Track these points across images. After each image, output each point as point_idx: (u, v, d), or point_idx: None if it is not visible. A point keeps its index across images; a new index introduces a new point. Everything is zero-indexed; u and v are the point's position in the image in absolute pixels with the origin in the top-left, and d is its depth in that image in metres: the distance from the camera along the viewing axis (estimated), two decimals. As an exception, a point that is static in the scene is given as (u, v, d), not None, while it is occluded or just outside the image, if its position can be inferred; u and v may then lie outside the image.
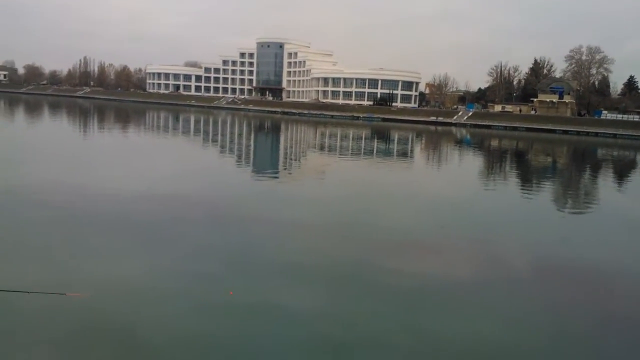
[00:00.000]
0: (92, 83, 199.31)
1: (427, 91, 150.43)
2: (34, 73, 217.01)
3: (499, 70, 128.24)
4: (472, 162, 44.66)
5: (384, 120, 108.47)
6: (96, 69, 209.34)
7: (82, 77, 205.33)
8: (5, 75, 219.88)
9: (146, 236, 13.68)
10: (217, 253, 12.57)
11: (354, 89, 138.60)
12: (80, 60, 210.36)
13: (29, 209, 15.76)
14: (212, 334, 8.31)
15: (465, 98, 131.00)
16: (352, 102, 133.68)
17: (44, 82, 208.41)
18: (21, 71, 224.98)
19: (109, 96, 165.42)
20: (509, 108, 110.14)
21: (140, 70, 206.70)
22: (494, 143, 68.66)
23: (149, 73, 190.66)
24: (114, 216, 15.47)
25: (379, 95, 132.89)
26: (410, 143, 62.79)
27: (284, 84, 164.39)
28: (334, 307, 9.89)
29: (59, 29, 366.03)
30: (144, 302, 9.30)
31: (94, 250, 12.25)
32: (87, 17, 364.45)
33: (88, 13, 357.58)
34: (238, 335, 8.44)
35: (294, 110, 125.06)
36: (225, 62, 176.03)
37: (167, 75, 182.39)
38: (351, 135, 65.90)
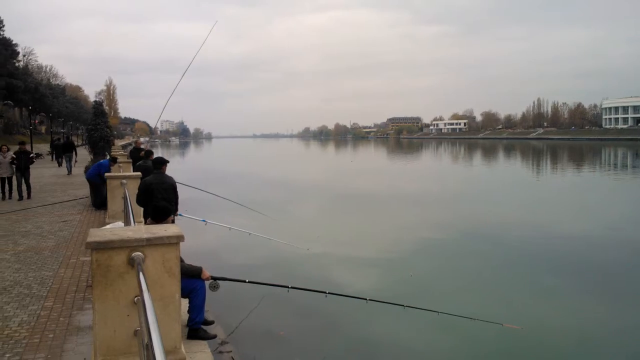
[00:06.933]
0: (545, 124, 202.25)
1: None
2: (490, 119, 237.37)
3: None
4: None
5: None
6: (549, 109, 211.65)
7: (535, 118, 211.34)
8: (465, 124, 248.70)
9: (584, 278, 13.29)
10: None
11: None
12: (533, 102, 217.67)
13: (487, 243, 17.60)
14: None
15: None
16: None
17: (499, 126, 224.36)
18: (479, 118, 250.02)
19: (562, 135, 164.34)
20: None
21: (595, 106, 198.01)
22: None
23: (605, 108, 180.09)
24: (552, 255, 15.62)
25: None
26: None
27: None
28: None
29: (513, 76, 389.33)
30: (571, 342, 9.28)
31: (531, 286, 12.74)
32: (535, 61, 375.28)
33: (536, 57, 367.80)
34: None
35: None
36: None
37: (625, 109, 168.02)
38: None
